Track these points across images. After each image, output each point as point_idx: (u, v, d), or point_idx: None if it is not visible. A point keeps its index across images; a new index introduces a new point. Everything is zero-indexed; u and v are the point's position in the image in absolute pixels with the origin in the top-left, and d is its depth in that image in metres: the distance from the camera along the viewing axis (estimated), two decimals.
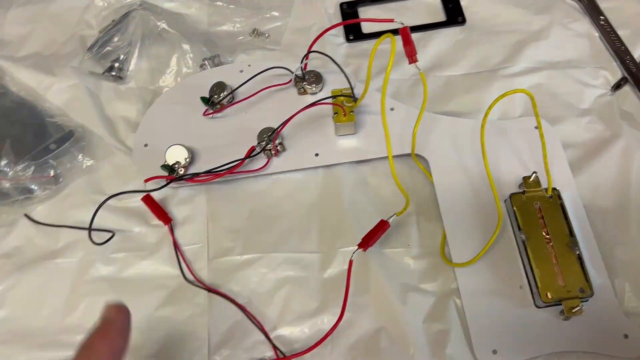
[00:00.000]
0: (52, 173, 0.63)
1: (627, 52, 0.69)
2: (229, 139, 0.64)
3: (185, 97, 0.67)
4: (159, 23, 0.71)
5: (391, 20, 0.54)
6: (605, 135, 0.64)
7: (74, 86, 0.71)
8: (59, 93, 0.71)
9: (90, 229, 0.56)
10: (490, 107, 0.53)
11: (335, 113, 0.62)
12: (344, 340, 0.54)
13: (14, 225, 0.62)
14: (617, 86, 0.67)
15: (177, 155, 0.61)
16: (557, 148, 0.61)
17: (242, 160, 0.61)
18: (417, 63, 0.53)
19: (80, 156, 0.64)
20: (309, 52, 0.63)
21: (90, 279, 0.58)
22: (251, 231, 0.60)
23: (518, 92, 0.52)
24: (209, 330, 0.55)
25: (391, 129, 0.61)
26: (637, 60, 0.68)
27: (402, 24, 0.52)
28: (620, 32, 0.71)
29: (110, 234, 0.59)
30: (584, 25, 0.73)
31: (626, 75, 0.68)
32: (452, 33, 0.74)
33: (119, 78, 0.72)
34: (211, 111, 0.65)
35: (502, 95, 0.51)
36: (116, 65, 0.72)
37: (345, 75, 0.61)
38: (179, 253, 0.58)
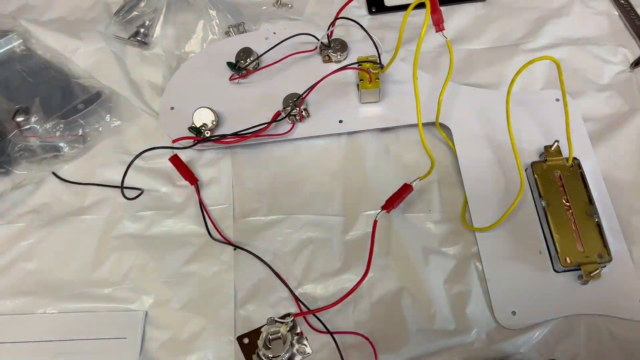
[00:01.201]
0: (80, 132, 0.64)
1: None
2: (253, 104, 0.65)
3: (211, 62, 0.68)
4: None
5: None
6: (624, 110, 0.65)
7: (99, 50, 0.72)
8: (84, 56, 0.72)
9: (122, 186, 0.57)
10: (517, 74, 0.53)
11: (360, 80, 0.63)
12: (367, 299, 0.55)
13: (42, 183, 0.63)
14: (636, 63, 0.69)
15: (204, 117, 0.62)
16: (578, 120, 0.63)
17: (269, 123, 0.62)
18: (443, 32, 0.53)
19: (107, 117, 0.65)
20: (337, 18, 0.63)
21: (118, 235, 0.59)
22: (275, 194, 0.62)
23: (545, 59, 0.53)
24: (235, 286, 0.56)
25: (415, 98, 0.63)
26: None
27: None
28: None
29: (140, 191, 0.60)
30: (604, 3, 0.74)
31: None
32: (473, 9, 0.75)
33: (144, 44, 0.73)
34: (237, 76, 0.66)
35: (529, 62, 0.52)
36: (142, 30, 0.73)
37: (373, 41, 0.62)
38: (205, 212, 0.59)
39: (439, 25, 0.53)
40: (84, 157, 0.64)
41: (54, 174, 0.63)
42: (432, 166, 0.56)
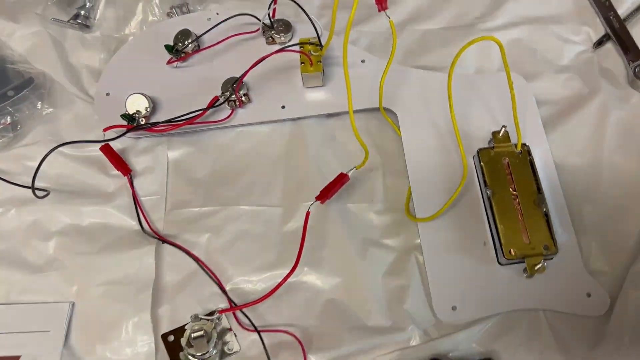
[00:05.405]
0: (8, 120, 0.61)
1: (611, 8, 0.66)
2: (193, 88, 0.62)
3: (150, 45, 0.65)
4: None
5: None
6: (582, 92, 0.62)
7: (37, 33, 0.68)
8: (21, 40, 0.68)
9: (33, 186, 0.54)
10: (457, 56, 0.50)
11: (302, 63, 0.59)
12: (301, 294, 0.53)
13: None
14: (599, 43, 0.65)
15: (137, 104, 0.60)
16: (531, 104, 0.59)
17: (204, 110, 0.59)
18: (387, 11, 0.50)
19: (39, 104, 0.62)
20: None
21: (43, 225, 0.57)
22: (213, 184, 0.59)
23: (486, 40, 0.49)
24: (163, 280, 0.54)
25: (361, 82, 0.60)
26: (621, 17, 0.66)
27: None
28: None
29: (46, 192, 0.56)
30: None
31: (609, 32, 0.65)
32: None
33: (86, 27, 0.69)
34: (175, 59, 0.63)
35: (467, 45, 0.49)
36: (82, 13, 0.69)
37: (311, 21, 0.58)
38: (137, 203, 0.57)
39: (381, 3, 0.50)
40: (14, 146, 0.61)
41: None
42: (365, 157, 0.53)
